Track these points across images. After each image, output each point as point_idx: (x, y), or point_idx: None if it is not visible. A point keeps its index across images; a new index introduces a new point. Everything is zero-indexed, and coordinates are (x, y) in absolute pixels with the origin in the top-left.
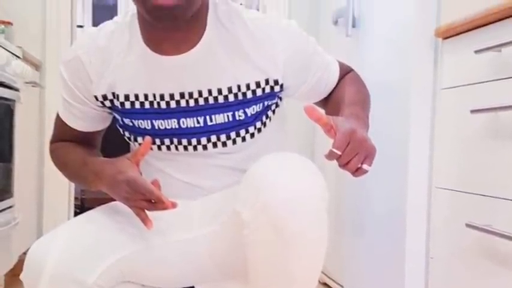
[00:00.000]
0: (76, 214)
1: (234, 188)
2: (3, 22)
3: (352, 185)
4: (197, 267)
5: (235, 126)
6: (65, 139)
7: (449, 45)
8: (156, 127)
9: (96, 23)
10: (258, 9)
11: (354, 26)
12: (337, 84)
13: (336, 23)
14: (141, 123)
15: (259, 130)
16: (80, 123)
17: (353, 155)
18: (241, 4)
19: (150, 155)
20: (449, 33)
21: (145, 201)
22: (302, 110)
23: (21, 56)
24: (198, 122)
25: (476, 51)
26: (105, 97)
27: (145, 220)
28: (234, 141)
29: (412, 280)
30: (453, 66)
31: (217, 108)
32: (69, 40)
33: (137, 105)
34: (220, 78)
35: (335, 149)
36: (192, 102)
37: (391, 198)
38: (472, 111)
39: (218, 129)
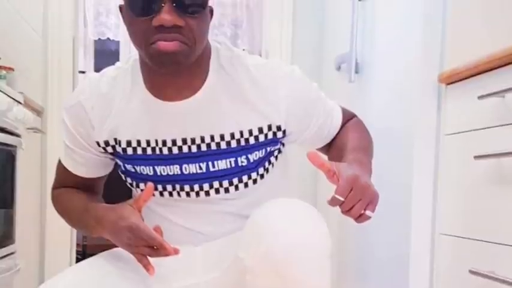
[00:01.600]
0: (78, 260)
1: (236, 234)
2: (4, 68)
3: (355, 231)
4: None
5: (237, 172)
6: (67, 185)
7: (453, 91)
8: (158, 173)
9: (98, 68)
10: (260, 55)
11: (357, 71)
12: (340, 130)
13: (338, 68)
14: (143, 169)
15: (262, 176)
16: (81, 170)
17: (356, 201)
18: (243, 49)
19: (152, 201)
20: (452, 79)
21: (148, 247)
22: (305, 155)
23: (22, 102)
24: (201, 168)
25: (480, 97)
26: (107, 143)
27: (147, 266)
28: (237, 188)
29: None
30: (456, 112)
31: (220, 154)
32: (71, 86)
33: (139, 151)
34: (223, 124)
35: (338, 195)
36: (194, 148)
37: (394, 244)
38: (476, 157)
39: (220, 176)
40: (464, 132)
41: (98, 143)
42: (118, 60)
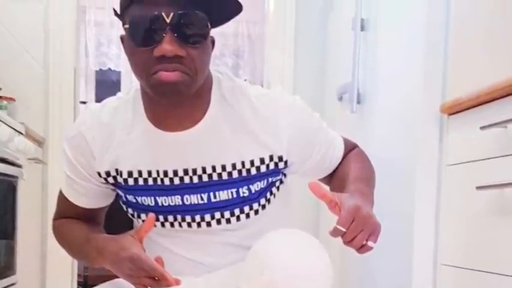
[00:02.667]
0: None
1: (238, 265)
2: (6, 98)
3: (357, 261)
4: None
5: (239, 202)
6: (68, 216)
7: (455, 121)
8: (160, 204)
9: (99, 99)
10: (262, 85)
11: (358, 102)
12: (342, 160)
13: (340, 99)
14: (144, 199)
15: (264, 207)
16: (83, 200)
17: (358, 232)
18: (245, 80)
19: (153, 232)
20: (454, 110)
21: (149, 278)
22: (306, 185)
23: (24, 133)
24: (202, 199)
25: (482, 128)
26: (108, 173)
27: None
28: (238, 218)
29: None
30: (459, 143)
31: (221, 184)
32: (72, 116)
33: (140, 181)
34: (224, 154)
35: (340, 226)
36: (195, 179)
37: (396, 275)
38: (478, 188)
39: (222, 206)
40: (466, 163)
41: (99, 174)
42: (119, 90)
